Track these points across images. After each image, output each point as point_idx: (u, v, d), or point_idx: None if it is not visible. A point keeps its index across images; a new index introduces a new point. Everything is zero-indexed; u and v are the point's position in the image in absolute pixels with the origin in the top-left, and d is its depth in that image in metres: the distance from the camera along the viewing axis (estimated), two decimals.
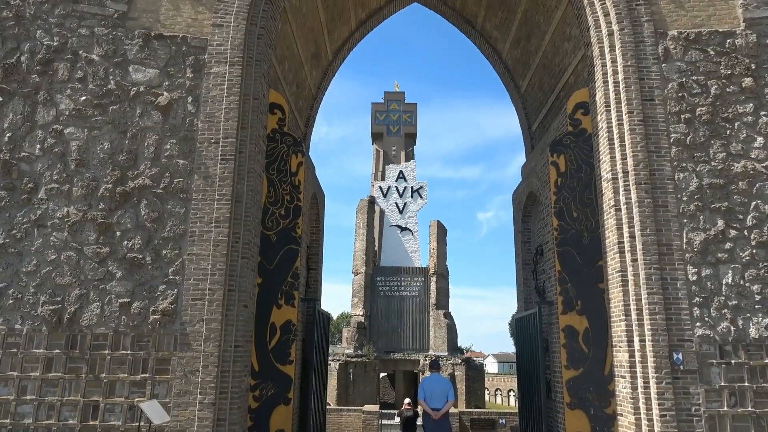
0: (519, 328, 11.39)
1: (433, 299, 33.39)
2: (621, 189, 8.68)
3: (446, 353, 29.97)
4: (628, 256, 8.40)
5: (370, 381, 29.29)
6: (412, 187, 36.58)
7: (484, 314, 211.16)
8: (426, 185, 36.86)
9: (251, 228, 8.81)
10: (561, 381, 9.16)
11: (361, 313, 32.47)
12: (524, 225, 12.08)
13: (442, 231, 35.50)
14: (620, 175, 8.72)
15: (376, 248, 36.07)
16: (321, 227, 12.43)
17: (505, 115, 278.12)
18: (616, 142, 8.87)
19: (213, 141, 8.82)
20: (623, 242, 8.50)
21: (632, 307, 8.23)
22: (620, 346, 8.37)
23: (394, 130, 40.58)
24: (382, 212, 36.53)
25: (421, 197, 36.55)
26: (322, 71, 14.01)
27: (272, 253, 9.41)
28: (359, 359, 28.94)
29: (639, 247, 8.33)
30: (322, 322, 10.94)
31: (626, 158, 8.73)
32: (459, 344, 36.19)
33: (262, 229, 9.40)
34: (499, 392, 59.34)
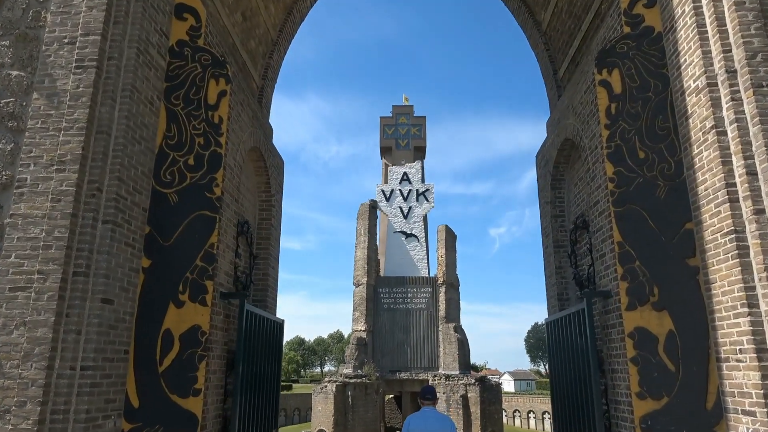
0: (553, 336, 7.82)
1: (442, 312, 29.74)
2: (724, 100, 5.20)
3: (458, 371, 26.21)
4: (745, 207, 4.89)
5: (372, 404, 25.56)
6: (417, 190, 33.17)
7: (498, 331, 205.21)
8: (433, 187, 33.43)
9: (127, 178, 5.42)
10: (629, 417, 5.60)
11: (362, 329, 28.86)
12: (555, 193, 8.56)
13: (450, 237, 31.88)
14: (722, 78, 5.25)
15: (379, 257, 32.54)
16: (276, 203, 9.01)
17: (516, 130, 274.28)
18: (711, 29, 5.42)
19: (66, 41, 5.50)
20: (734, 185, 5.00)
21: (759, 291, 4.71)
22: (739, 360, 4.82)
23: (402, 143, 37.52)
24: (385, 217, 33.08)
25: (428, 200, 33.10)
26: (285, 8, 10.70)
27: (171, 222, 6.00)
28: (359, 380, 25.27)
29: (765, 189, 4.83)
30: (263, 329, 7.45)
31: (730, 51, 5.28)
32: (472, 361, 32.32)
33: (154, 185, 6.00)
34: (517, 414, 54.87)
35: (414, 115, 37.48)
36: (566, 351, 7.17)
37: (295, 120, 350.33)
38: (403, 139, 37.15)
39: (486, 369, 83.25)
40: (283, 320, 8.27)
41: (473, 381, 24.86)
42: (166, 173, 6.10)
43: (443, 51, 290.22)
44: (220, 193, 6.32)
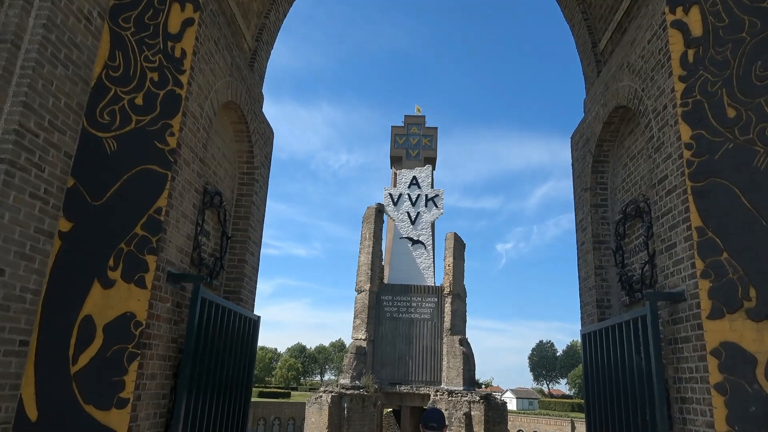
0: (592, 350, 6.23)
1: (447, 323, 28.10)
2: None
3: (462, 387, 24.50)
4: None
5: (370, 418, 23.89)
6: (426, 195, 31.67)
7: (500, 347, 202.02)
8: (442, 193, 31.95)
9: (41, 107, 3.97)
10: None
11: (362, 337, 27.25)
12: (596, 178, 7.01)
13: (459, 245, 30.30)
14: None
15: (384, 263, 31.00)
16: (260, 178, 7.52)
17: (526, 146, 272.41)
18: None
19: None
20: None
21: None
22: None
23: (413, 154, 36.08)
24: (392, 223, 31.58)
25: (437, 206, 31.60)
26: None
27: (105, 176, 4.53)
28: (357, 391, 23.63)
29: None
30: (231, 325, 5.90)
31: None
32: (476, 377, 30.60)
33: (86, 125, 4.54)
34: None
35: (426, 125, 36.09)
36: (611, 371, 5.59)
37: (306, 127, 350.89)
38: (414, 149, 35.70)
39: (490, 386, 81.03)
40: (258, 317, 6.75)
41: (478, 398, 23.16)
42: (103, 112, 4.64)
43: (455, 65, 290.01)
44: (176, 145, 4.84)
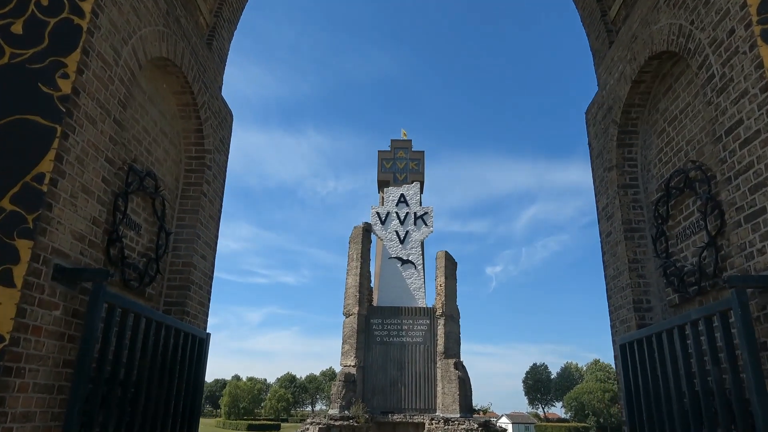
0: (636, 366, 4.82)
1: (440, 346, 26.51)
2: None
3: (458, 414, 22.84)
4: None
5: None
6: (415, 213, 30.38)
7: (494, 371, 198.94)
8: (432, 210, 30.67)
9: None
10: None
11: (352, 363, 25.57)
12: (623, 153, 5.71)
13: (451, 264, 28.89)
14: None
15: (372, 285, 29.49)
16: (215, 166, 6.13)
17: (511, 169, 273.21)
18: None
19: None
20: None
21: None
22: None
23: (401, 177, 35.01)
24: (380, 243, 30.20)
25: (426, 224, 30.28)
26: None
27: None
28: (346, 422, 21.87)
29: None
30: (164, 343, 4.44)
31: None
32: (474, 403, 28.91)
33: None
34: None
35: (412, 149, 35.04)
36: (668, 387, 4.19)
37: (293, 154, 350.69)
38: (401, 173, 34.58)
39: (490, 412, 78.82)
40: (207, 334, 5.30)
41: (476, 426, 21.49)
42: None
43: (441, 90, 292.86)
44: (71, 92, 3.47)
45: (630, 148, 5.68)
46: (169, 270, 5.42)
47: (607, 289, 5.88)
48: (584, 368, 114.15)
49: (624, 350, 5.00)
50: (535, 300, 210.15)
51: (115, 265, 4.32)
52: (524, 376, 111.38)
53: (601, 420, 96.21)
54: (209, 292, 5.93)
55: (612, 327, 5.73)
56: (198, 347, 5.10)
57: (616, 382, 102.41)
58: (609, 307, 5.80)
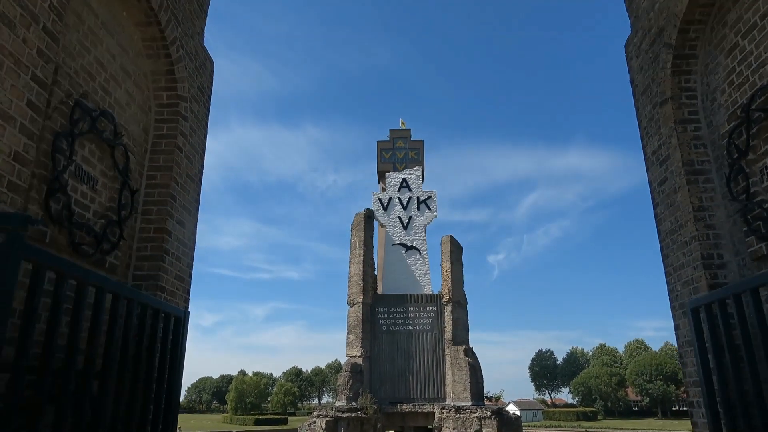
0: (717, 332, 3.88)
1: (448, 333, 25.63)
2: None
3: (470, 402, 21.97)
4: None
5: None
6: (418, 198, 29.41)
7: (499, 359, 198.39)
8: (435, 195, 29.75)
9: None
10: None
11: (358, 354, 24.70)
12: (679, 81, 4.75)
13: (456, 249, 27.97)
14: None
15: (376, 272, 28.59)
16: (191, 116, 5.17)
17: (511, 157, 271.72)
18: None
19: None
20: None
21: None
22: None
23: (400, 167, 34.08)
24: (383, 229, 29.28)
25: (430, 209, 29.33)
26: None
27: None
28: (354, 414, 21.03)
29: None
30: (127, 321, 3.50)
31: None
32: (486, 391, 28.02)
33: None
34: None
35: (411, 138, 34.05)
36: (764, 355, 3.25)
37: (291, 149, 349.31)
38: (400, 163, 33.62)
39: (496, 399, 78.05)
40: (185, 312, 4.35)
41: (489, 414, 20.62)
42: None
43: (438, 79, 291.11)
44: None
45: (687, 76, 4.71)
46: (139, 238, 4.48)
47: (662, 247, 4.93)
48: (590, 353, 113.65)
49: (697, 315, 4.05)
50: (538, 287, 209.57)
51: (59, 223, 3.38)
52: (530, 362, 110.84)
53: (609, 404, 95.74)
54: (190, 266, 4.99)
55: (671, 291, 4.79)
56: (174, 328, 4.16)
57: (622, 366, 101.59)
58: (666, 268, 4.85)
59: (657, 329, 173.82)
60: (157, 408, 3.95)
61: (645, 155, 5.24)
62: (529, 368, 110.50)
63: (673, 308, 4.70)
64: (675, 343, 4.63)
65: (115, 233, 4.05)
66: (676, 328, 4.67)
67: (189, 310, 4.66)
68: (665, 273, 4.85)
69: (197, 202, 5.21)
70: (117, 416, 3.42)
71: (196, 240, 5.15)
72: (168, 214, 4.60)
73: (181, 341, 4.19)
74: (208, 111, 5.63)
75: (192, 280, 5.04)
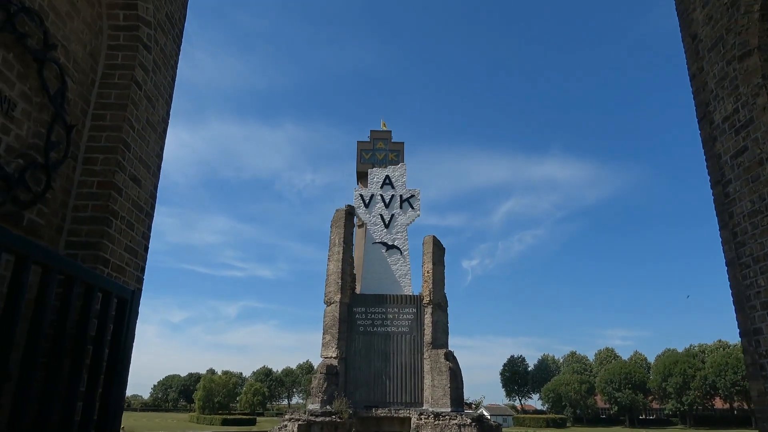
0: None
1: (428, 336, 24.72)
2: None
3: (449, 408, 21.03)
4: None
5: None
6: (401, 196, 28.44)
7: (471, 364, 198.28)
8: (418, 193, 28.84)
9: None
10: None
11: (333, 355, 23.59)
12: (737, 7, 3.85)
13: (439, 250, 27.09)
14: None
15: (355, 271, 27.53)
16: (153, 44, 4.08)
17: (488, 163, 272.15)
18: None
19: None
20: None
21: None
22: None
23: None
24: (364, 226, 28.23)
25: (412, 208, 28.39)
26: None
27: None
28: (328, 418, 19.90)
29: None
30: (40, 294, 2.42)
31: None
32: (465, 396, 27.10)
33: None
34: None
35: (392, 140, 33.12)
36: None
37: (270, 147, 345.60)
38: (380, 164, 32.63)
39: (476, 406, 77.30)
40: (132, 291, 3.25)
41: (469, 421, 19.71)
42: None
43: (420, 83, 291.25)
44: None
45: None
46: (78, 194, 3.37)
47: (735, 233, 4.00)
48: (561, 360, 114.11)
49: None
50: (510, 293, 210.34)
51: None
52: (501, 368, 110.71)
53: (578, 411, 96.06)
54: (147, 237, 3.89)
55: (748, 287, 3.84)
56: (119, 310, 3.06)
57: (592, 374, 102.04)
58: (740, 259, 3.92)
59: (624, 338, 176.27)
60: (89, 409, 2.85)
61: (711, 124, 4.32)
62: (501, 374, 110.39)
63: (751, 308, 3.78)
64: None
65: (39, 181, 2.95)
66: (756, 333, 3.75)
67: (141, 288, 3.56)
68: (737, 265, 3.93)
69: (160, 157, 4.12)
70: (41, 416, 2.33)
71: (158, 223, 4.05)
72: (118, 164, 3.50)
73: (128, 327, 3.09)
74: (179, 49, 4.54)
75: (149, 257, 3.93)
